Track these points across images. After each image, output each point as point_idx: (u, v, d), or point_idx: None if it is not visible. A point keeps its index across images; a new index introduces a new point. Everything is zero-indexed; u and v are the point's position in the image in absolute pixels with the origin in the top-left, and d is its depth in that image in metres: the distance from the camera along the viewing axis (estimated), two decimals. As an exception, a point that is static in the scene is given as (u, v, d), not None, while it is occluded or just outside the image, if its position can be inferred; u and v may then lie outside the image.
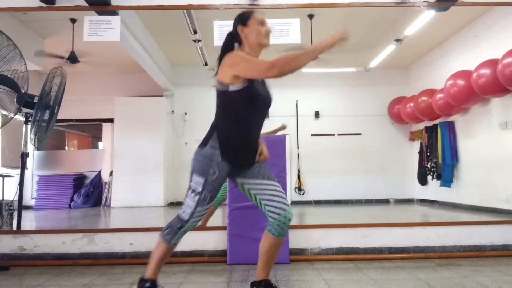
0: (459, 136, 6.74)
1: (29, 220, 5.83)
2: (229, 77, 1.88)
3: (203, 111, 8.14)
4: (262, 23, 2.00)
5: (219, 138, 1.94)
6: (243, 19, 2.01)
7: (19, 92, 3.40)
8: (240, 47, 2.02)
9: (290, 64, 1.78)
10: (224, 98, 1.94)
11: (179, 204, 8.54)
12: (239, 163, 2.00)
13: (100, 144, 10.13)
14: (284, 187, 2.98)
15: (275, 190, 1.97)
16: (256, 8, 3.20)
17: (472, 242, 3.19)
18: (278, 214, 1.92)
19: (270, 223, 1.95)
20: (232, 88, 1.89)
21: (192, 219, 1.93)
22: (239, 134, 1.96)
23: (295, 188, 8.29)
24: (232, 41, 2.03)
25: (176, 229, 1.94)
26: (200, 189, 1.91)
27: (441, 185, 6.95)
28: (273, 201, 1.95)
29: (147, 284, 1.95)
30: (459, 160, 6.67)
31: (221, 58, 1.99)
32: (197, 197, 1.91)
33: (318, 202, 8.18)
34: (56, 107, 3.73)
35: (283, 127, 4.57)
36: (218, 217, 5.03)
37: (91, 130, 10.48)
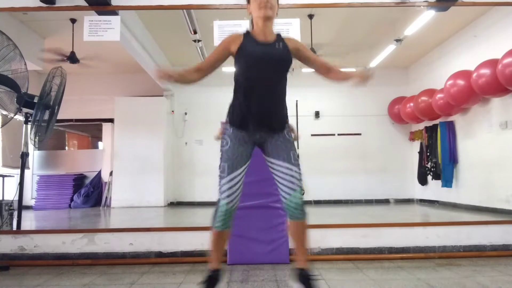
0: (459, 136, 6.74)
1: (29, 220, 5.82)
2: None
3: (203, 111, 8.20)
4: None
5: (229, 108, 2.06)
6: None
7: (19, 92, 3.40)
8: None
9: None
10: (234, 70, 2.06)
11: (179, 204, 8.57)
12: (247, 128, 2.01)
13: (100, 144, 10.13)
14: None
15: (286, 173, 1.99)
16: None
17: (472, 242, 3.19)
18: (285, 197, 1.99)
19: (283, 205, 2.02)
20: (234, 61, 2.04)
21: (221, 196, 1.97)
22: (240, 97, 2.01)
23: (295, 188, 8.27)
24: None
25: (214, 211, 2.00)
26: (219, 163, 2.01)
27: (442, 186, 6.94)
28: (282, 184, 1.99)
29: (208, 273, 2.02)
30: (459, 160, 6.67)
31: None
32: (219, 172, 2.00)
33: (318, 202, 8.17)
34: (56, 107, 3.73)
35: (299, 137, 4.50)
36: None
37: (91, 130, 10.47)
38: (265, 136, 2.04)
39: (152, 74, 1.99)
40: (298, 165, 2.03)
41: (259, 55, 1.99)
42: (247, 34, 2.07)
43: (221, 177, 1.98)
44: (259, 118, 1.99)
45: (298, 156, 2.07)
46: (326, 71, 2.19)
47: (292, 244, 2.06)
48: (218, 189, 1.99)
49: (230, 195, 1.96)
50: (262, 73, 1.98)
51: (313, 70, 2.23)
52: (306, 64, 2.18)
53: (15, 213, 3.64)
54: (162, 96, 8.40)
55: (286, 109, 2.11)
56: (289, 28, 3.43)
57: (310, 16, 5.84)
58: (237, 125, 2.01)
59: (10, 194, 5.11)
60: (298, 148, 8.28)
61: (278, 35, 2.10)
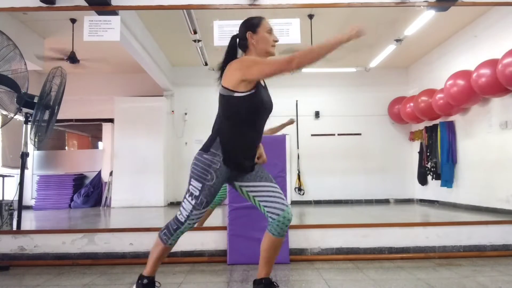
0: (459, 136, 6.74)
1: (29, 220, 5.83)
2: (236, 82, 1.89)
3: (203, 111, 8.18)
4: (270, 31, 2.03)
5: (222, 144, 1.94)
6: (253, 25, 2.01)
7: (19, 92, 3.40)
8: (245, 53, 2.04)
9: (308, 57, 1.83)
10: (229, 103, 1.95)
11: (179, 204, 8.47)
12: (240, 169, 2.01)
13: (100, 144, 10.12)
14: (284, 187, 3.00)
15: (273, 192, 1.99)
16: (257, 8, 3.21)
17: (472, 242, 3.19)
18: (277, 214, 1.95)
19: (270, 224, 1.97)
20: (237, 94, 1.90)
21: (188, 221, 1.97)
22: (242, 140, 1.97)
23: (295, 188, 8.29)
24: (236, 45, 2.04)
25: (173, 230, 1.99)
26: (197, 193, 1.94)
27: (441, 185, 6.94)
28: (272, 202, 1.97)
29: (145, 281, 2.01)
30: (459, 160, 6.67)
31: (224, 63, 2.00)
32: (194, 201, 1.94)
33: (318, 202, 8.18)
34: (56, 107, 3.73)
35: (291, 122, 4.59)
36: (218, 217, 5.03)
37: (91, 130, 10.47)
38: (244, 171, 2.05)
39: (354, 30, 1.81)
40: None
41: (268, 105, 2.02)
42: None
43: (195, 208, 1.94)
44: (251, 159, 2.03)
45: None
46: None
47: (262, 259, 2.03)
48: (185, 214, 1.96)
49: (196, 221, 2.00)
50: (263, 120, 2.04)
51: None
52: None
53: (15, 213, 3.64)
54: (162, 96, 8.40)
55: None
56: (289, 28, 3.43)
57: (310, 16, 5.84)
58: (231, 164, 1.96)
59: (10, 194, 5.11)
60: (298, 148, 8.24)
61: None
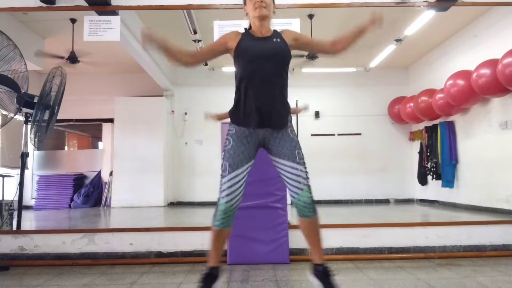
0: (459, 136, 6.74)
1: (29, 220, 5.82)
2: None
3: (203, 111, 8.16)
4: None
5: (231, 108, 2.07)
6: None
7: (19, 92, 3.40)
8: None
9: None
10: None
11: (179, 204, 8.56)
12: (249, 125, 2.02)
13: (100, 144, 10.12)
14: (284, 187, 2.99)
15: (292, 173, 2.01)
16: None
17: (472, 242, 3.19)
18: (293, 197, 2.01)
19: (293, 204, 2.04)
20: (232, 57, 2.07)
21: (221, 195, 1.99)
22: (241, 93, 2.02)
23: (295, 188, 8.27)
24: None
25: (215, 210, 2.01)
26: (222, 161, 2.02)
27: (442, 186, 6.94)
28: (289, 184, 2.02)
29: (205, 270, 2.04)
30: (459, 160, 6.67)
31: None
32: (221, 170, 2.01)
33: (318, 202, 8.05)
34: (56, 107, 3.72)
35: (305, 107, 4.49)
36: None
37: (91, 130, 10.46)
38: (268, 135, 2.05)
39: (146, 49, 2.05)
40: (303, 164, 2.03)
41: (257, 50, 2.02)
42: (245, 32, 2.12)
43: (222, 176, 1.99)
44: (259, 112, 1.99)
45: (303, 155, 2.07)
46: (332, 46, 2.17)
47: (308, 244, 2.06)
48: (219, 188, 2.00)
49: (230, 194, 1.97)
50: (260, 67, 2.00)
51: (318, 56, 2.29)
52: (310, 50, 2.32)
53: (15, 213, 3.64)
54: (162, 96, 8.40)
55: (289, 106, 2.12)
56: (289, 28, 3.42)
57: (310, 16, 5.85)
58: (239, 121, 2.03)
59: (10, 194, 5.11)
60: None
61: (275, 31, 2.14)
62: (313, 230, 2.03)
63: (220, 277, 2.06)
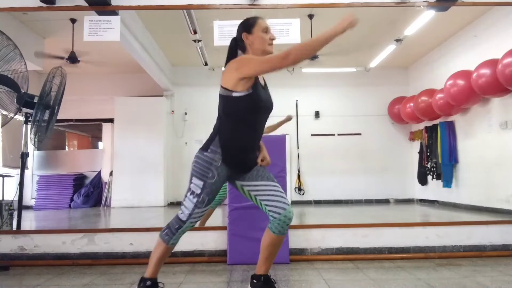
0: (459, 136, 6.74)
1: (29, 220, 5.83)
2: (234, 82, 1.90)
3: (203, 111, 8.18)
4: (266, 30, 2.02)
5: (221, 143, 1.96)
6: (247, 26, 2.02)
7: (19, 92, 3.40)
8: (244, 53, 2.04)
9: (303, 51, 1.81)
10: (228, 103, 1.96)
11: (179, 204, 8.49)
12: (239, 168, 2.02)
13: (100, 144, 10.12)
14: (284, 187, 3.00)
15: (275, 191, 2.00)
16: (257, 8, 3.21)
17: (472, 242, 3.19)
18: (279, 213, 1.96)
19: (271, 222, 1.98)
20: (236, 94, 1.91)
21: (190, 220, 1.97)
22: (241, 140, 1.98)
23: (295, 188, 8.29)
24: (236, 47, 2.06)
25: (174, 230, 1.98)
26: (198, 191, 1.95)
27: (443, 186, 6.94)
28: (273, 201, 1.98)
29: (148, 283, 2.00)
30: (459, 160, 6.67)
31: (226, 64, 2.01)
32: (195, 199, 1.95)
33: (318, 202, 8.18)
34: (56, 107, 3.72)
35: (289, 118, 4.53)
36: (218, 217, 5.03)
37: (91, 130, 10.47)
38: (244, 170, 2.06)
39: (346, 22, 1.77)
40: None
41: (267, 105, 2.02)
42: None
43: (197, 206, 1.94)
44: (252, 156, 2.04)
45: None
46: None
47: (261, 255, 2.05)
48: (187, 212, 1.95)
49: (197, 219, 2.00)
50: (263, 120, 2.05)
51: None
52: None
53: (15, 213, 3.64)
54: (162, 96, 8.40)
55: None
56: (289, 28, 3.43)
57: (310, 16, 5.84)
58: (230, 163, 1.98)
59: (10, 194, 5.11)
60: (298, 148, 8.23)
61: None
62: (278, 246, 2.04)
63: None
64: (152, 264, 2.01)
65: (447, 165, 6.79)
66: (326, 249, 3.15)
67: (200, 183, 1.95)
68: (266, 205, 1.99)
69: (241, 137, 1.98)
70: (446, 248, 3.18)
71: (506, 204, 5.42)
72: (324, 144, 8.46)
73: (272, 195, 1.99)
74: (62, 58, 6.34)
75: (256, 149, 2.09)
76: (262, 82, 2.07)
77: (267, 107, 2.02)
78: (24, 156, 3.59)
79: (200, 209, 1.96)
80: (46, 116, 3.66)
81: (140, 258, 3.06)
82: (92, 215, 6.65)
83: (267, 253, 2.04)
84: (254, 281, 2.08)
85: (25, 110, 3.53)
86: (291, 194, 8.15)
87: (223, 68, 2.08)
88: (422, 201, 8.03)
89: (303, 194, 8.26)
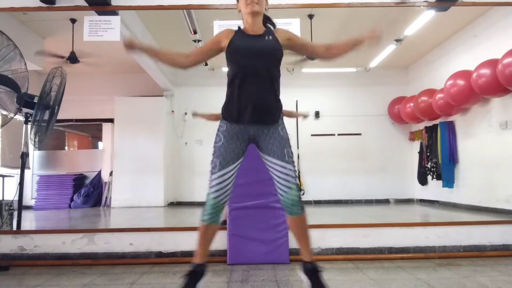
0: (459, 136, 6.74)
1: (29, 220, 5.83)
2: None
3: (203, 111, 8.18)
4: None
5: (222, 105, 2.08)
6: None
7: (19, 92, 3.40)
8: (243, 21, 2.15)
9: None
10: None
11: (179, 204, 8.56)
12: (238, 120, 2.03)
13: (100, 144, 10.12)
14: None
15: (280, 171, 2.02)
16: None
17: (472, 242, 3.19)
18: (281, 195, 2.02)
19: (281, 203, 2.05)
20: (224, 53, 2.08)
21: (210, 191, 2.00)
22: (233, 90, 2.03)
23: (295, 188, 8.28)
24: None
25: (204, 205, 2.03)
26: (212, 157, 2.04)
27: (443, 186, 6.93)
28: (278, 182, 2.03)
29: (190, 267, 2.07)
30: (459, 160, 6.67)
31: None
32: (210, 166, 2.03)
33: (318, 202, 8.17)
34: (56, 107, 3.72)
35: (304, 115, 4.41)
36: (218, 217, 5.02)
37: (91, 130, 10.47)
38: (259, 132, 2.05)
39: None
40: (292, 163, 2.05)
41: (247, 47, 2.03)
42: (238, 30, 2.12)
43: (212, 173, 2.01)
44: (251, 108, 2.00)
45: (292, 154, 2.09)
46: (326, 50, 2.17)
47: (297, 242, 2.08)
48: (208, 183, 2.01)
49: (219, 190, 1.99)
50: (252, 63, 2.01)
51: (314, 58, 2.28)
52: (303, 51, 2.25)
53: (15, 213, 3.64)
54: (162, 96, 8.40)
55: (281, 104, 2.12)
56: (289, 28, 3.42)
57: (310, 16, 5.84)
58: (230, 118, 2.04)
59: (10, 194, 5.11)
60: (298, 148, 8.21)
61: (268, 29, 2.15)
62: (302, 227, 2.05)
63: (205, 275, 2.06)
64: (196, 246, 2.07)
65: (447, 165, 6.79)
66: (326, 249, 3.15)
67: (212, 150, 2.05)
68: (274, 182, 2.05)
69: (233, 88, 2.02)
70: (446, 248, 3.17)
71: (506, 204, 5.42)
72: (324, 144, 8.46)
73: (278, 175, 2.02)
74: (62, 58, 6.33)
75: (261, 102, 2.01)
76: (251, 32, 2.08)
77: (253, 51, 2.02)
78: (24, 156, 3.59)
79: (214, 175, 2.00)
80: (46, 116, 3.66)
81: (140, 258, 3.06)
82: (92, 215, 6.65)
83: (296, 237, 2.08)
84: (303, 268, 2.07)
85: (25, 110, 3.53)
86: (291, 194, 8.13)
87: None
88: (422, 201, 8.03)
89: (303, 194, 8.25)
